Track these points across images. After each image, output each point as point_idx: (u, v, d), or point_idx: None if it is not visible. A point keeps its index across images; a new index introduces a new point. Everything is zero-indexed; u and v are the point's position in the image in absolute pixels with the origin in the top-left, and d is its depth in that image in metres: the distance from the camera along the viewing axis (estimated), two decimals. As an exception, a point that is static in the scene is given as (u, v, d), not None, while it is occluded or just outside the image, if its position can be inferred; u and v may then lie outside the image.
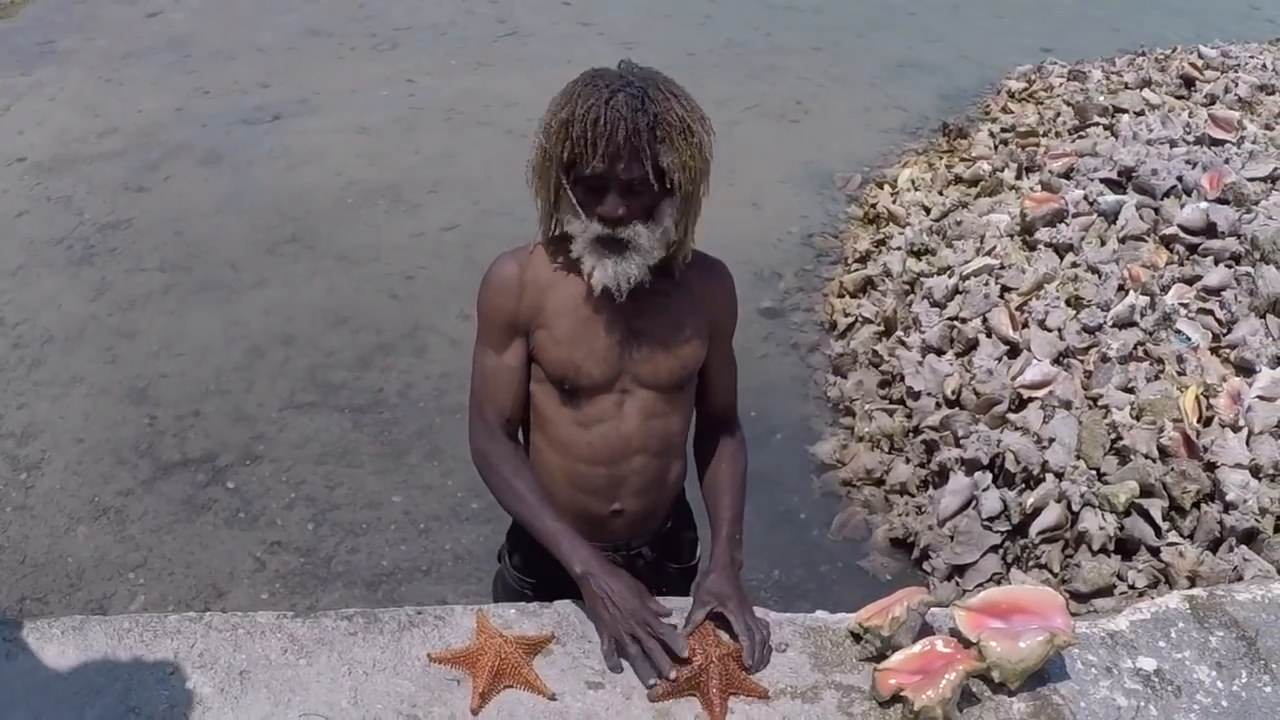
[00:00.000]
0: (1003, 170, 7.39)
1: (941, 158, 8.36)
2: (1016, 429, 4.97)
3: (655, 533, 2.96)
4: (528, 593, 2.96)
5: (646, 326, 2.61)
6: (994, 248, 6.29)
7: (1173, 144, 6.89)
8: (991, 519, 4.78)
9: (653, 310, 2.60)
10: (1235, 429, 4.72)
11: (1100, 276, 5.73)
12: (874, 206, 7.77)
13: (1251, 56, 8.83)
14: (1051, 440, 4.80)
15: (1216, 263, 5.64)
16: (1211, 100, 7.84)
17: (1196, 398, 4.81)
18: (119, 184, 8.21)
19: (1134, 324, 5.34)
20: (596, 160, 2.32)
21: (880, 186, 8.12)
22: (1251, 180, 6.12)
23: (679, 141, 2.35)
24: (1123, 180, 6.54)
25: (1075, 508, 4.56)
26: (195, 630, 2.54)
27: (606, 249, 2.43)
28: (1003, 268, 6.03)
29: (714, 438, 2.93)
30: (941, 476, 5.08)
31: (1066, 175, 6.90)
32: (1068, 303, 5.62)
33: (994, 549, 4.74)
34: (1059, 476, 4.69)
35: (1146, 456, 4.61)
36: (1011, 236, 6.40)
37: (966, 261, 6.22)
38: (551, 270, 2.59)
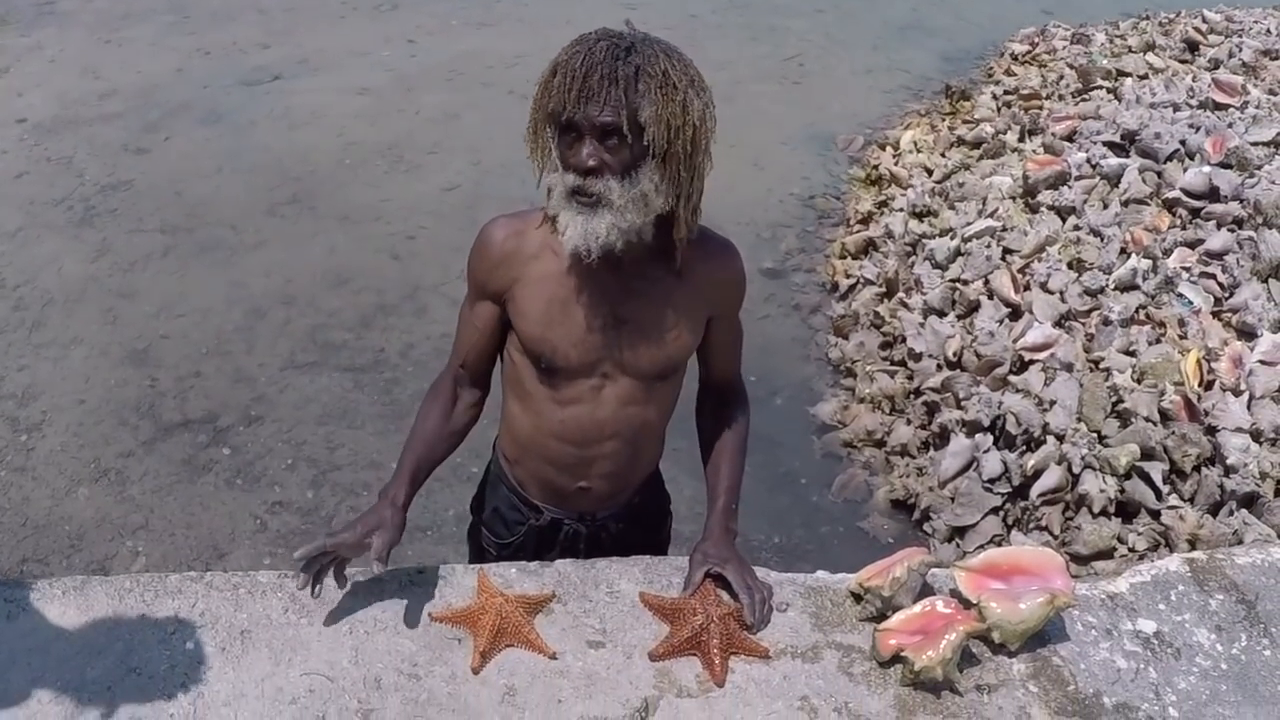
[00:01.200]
0: (1005, 133, 7.38)
1: (944, 120, 8.34)
2: (1018, 391, 4.96)
3: (623, 506, 2.94)
4: (490, 551, 3.04)
5: (633, 314, 2.55)
6: (996, 210, 6.28)
7: (1176, 108, 6.87)
8: (992, 481, 4.78)
9: (642, 296, 2.54)
10: (1236, 393, 4.72)
11: (1102, 239, 5.73)
12: (876, 168, 7.76)
13: (1255, 21, 8.79)
14: (1053, 403, 4.80)
15: (1219, 227, 5.63)
16: (1215, 64, 7.82)
17: (1198, 361, 4.81)
18: (119, 145, 8.20)
19: (1136, 287, 5.34)
20: (571, 103, 2.26)
21: (882, 148, 8.10)
22: (1254, 145, 6.11)
23: (658, 95, 2.27)
24: (1126, 143, 6.53)
25: (1076, 470, 4.56)
26: (196, 590, 2.55)
27: (579, 205, 2.35)
28: (1005, 230, 6.02)
29: (715, 405, 2.91)
30: (942, 438, 5.08)
31: (1069, 138, 6.88)
32: (1070, 265, 5.61)
33: (994, 511, 4.74)
34: (1060, 439, 4.69)
35: (1147, 419, 4.61)
36: (1014, 199, 6.39)
37: (969, 223, 6.21)
38: (540, 243, 2.54)
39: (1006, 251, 5.85)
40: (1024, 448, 4.79)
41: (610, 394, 2.61)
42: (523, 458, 2.78)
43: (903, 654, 2.38)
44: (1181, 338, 5.05)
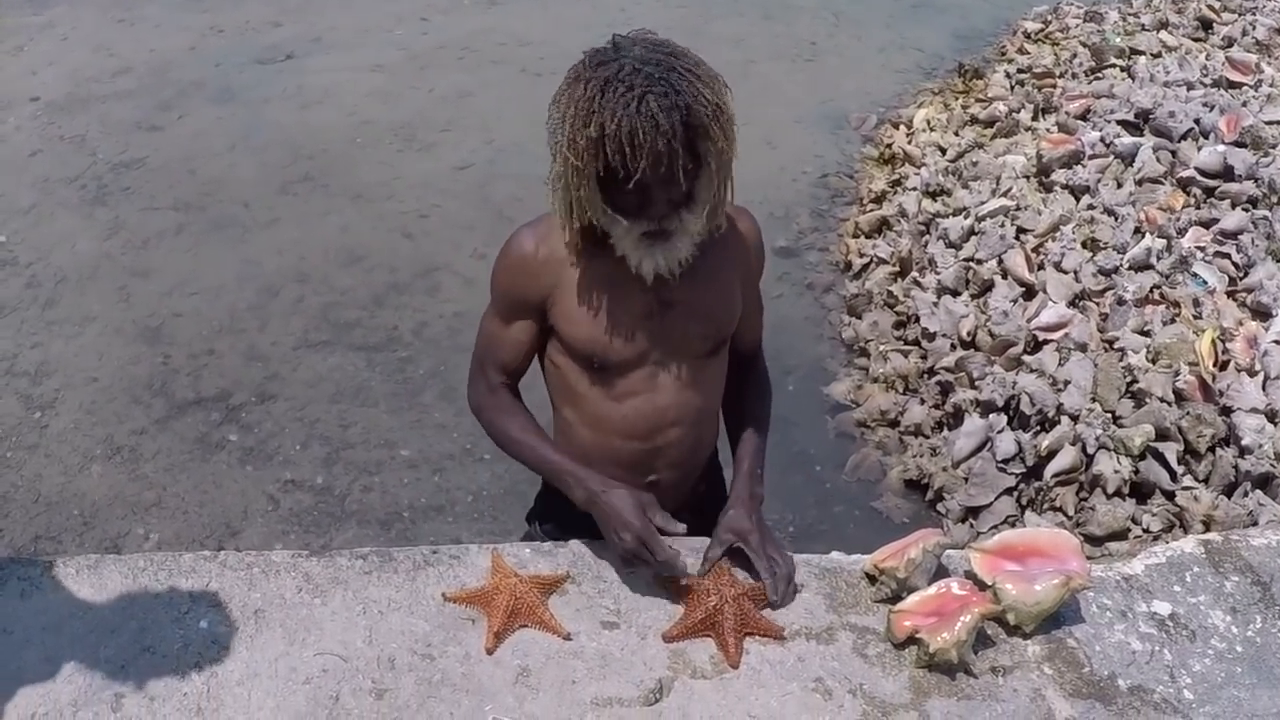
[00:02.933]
0: (1019, 111, 7.35)
1: (957, 98, 8.31)
2: (1032, 371, 4.96)
3: (689, 497, 2.91)
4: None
5: (677, 296, 2.53)
6: (1010, 189, 6.26)
7: (1190, 86, 6.85)
8: (1006, 461, 4.77)
9: (684, 278, 2.50)
10: (1251, 373, 4.70)
11: (1117, 219, 5.71)
12: (889, 147, 7.74)
13: (1269, -1, 8.77)
14: (1067, 383, 4.79)
15: (1233, 206, 5.61)
16: (1229, 43, 7.79)
17: (1212, 341, 4.80)
18: (132, 123, 8.20)
19: (1150, 267, 5.32)
20: (639, 173, 2.21)
21: (896, 127, 8.07)
22: (1269, 123, 6.09)
23: (713, 128, 2.26)
24: (1140, 122, 6.51)
25: (1090, 451, 4.56)
26: (210, 569, 2.55)
27: (653, 240, 2.35)
28: (1019, 209, 6.01)
29: (740, 375, 2.88)
30: (956, 418, 5.08)
31: (1083, 117, 6.86)
32: (1084, 245, 5.60)
33: (1008, 491, 4.74)
34: (1074, 419, 4.68)
35: (1162, 400, 4.60)
36: (1028, 178, 6.37)
37: (982, 203, 6.20)
38: (570, 245, 2.49)
39: (1020, 231, 5.83)
40: (1038, 428, 4.78)
41: (666, 380, 2.60)
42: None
43: (917, 636, 2.38)
44: (1196, 318, 5.03)
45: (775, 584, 2.47)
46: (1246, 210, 5.54)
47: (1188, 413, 4.55)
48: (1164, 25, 8.33)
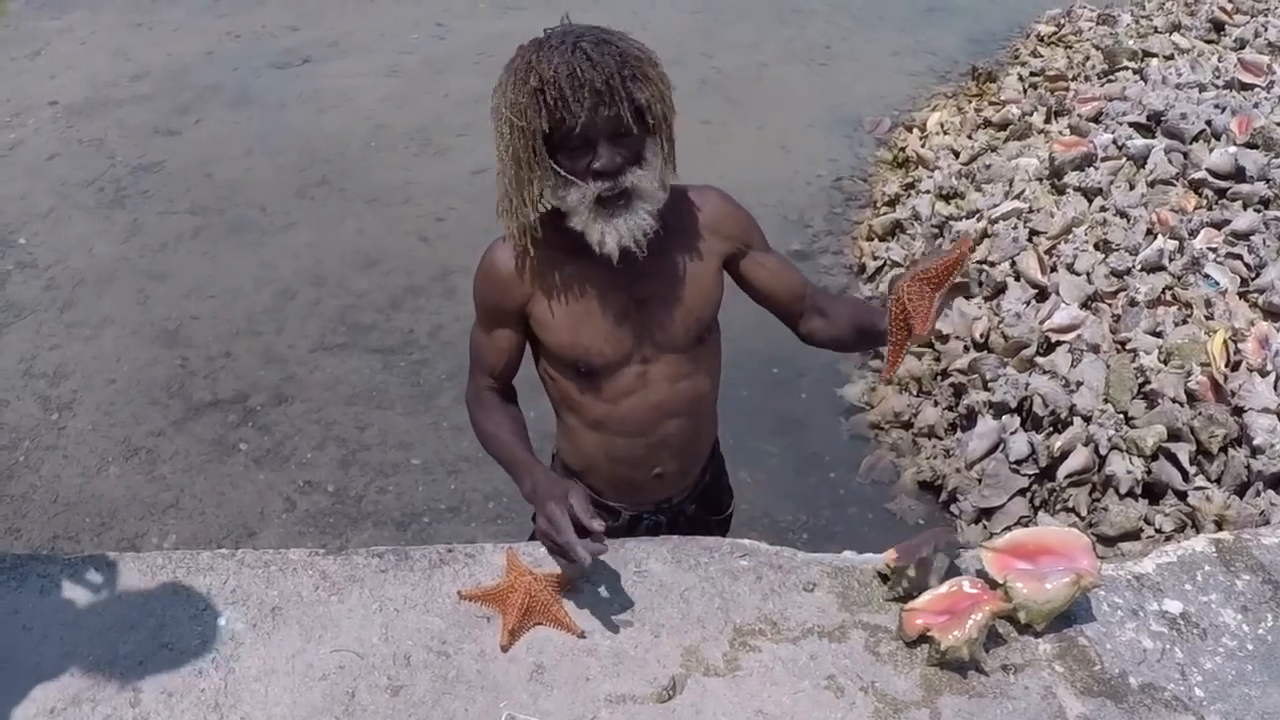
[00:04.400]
0: (1031, 114, 7.35)
1: (970, 101, 8.31)
2: (1044, 372, 4.96)
3: (694, 486, 2.95)
4: None
5: (650, 290, 2.56)
6: (1022, 191, 6.27)
7: (1202, 88, 6.84)
8: (1019, 462, 4.78)
9: (652, 271, 2.52)
10: (1263, 373, 4.71)
11: (1129, 220, 5.71)
12: (902, 150, 7.74)
13: (1282, 0, 8.75)
14: (1079, 384, 4.80)
15: (1245, 207, 5.61)
16: (1241, 44, 7.77)
17: (1224, 342, 4.80)
18: (150, 127, 8.24)
19: (1162, 268, 5.33)
20: (581, 114, 2.24)
21: (909, 130, 8.07)
22: (1280, 125, 6.09)
23: (650, 72, 2.30)
24: (1152, 124, 6.51)
25: (1103, 451, 4.57)
26: (228, 567, 2.58)
27: (611, 208, 2.35)
28: (1031, 211, 6.01)
29: (818, 314, 2.79)
30: (969, 420, 5.08)
31: (1095, 119, 6.86)
32: (1096, 246, 5.61)
33: (1021, 492, 4.75)
34: (1086, 420, 4.69)
35: (1174, 400, 4.61)
36: (1040, 180, 6.38)
37: (995, 205, 6.20)
38: (544, 254, 2.51)
39: (1033, 233, 5.83)
40: (1050, 429, 4.79)
41: (656, 375, 2.62)
42: (593, 466, 2.79)
43: (929, 634, 2.39)
44: (1208, 318, 5.04)
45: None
46: (1258, 211, 5.54)
47: (1200, 413, 4.56)
48: (1176, 27, 8.32)
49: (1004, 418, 4.92)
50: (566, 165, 2.35)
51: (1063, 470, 4.60)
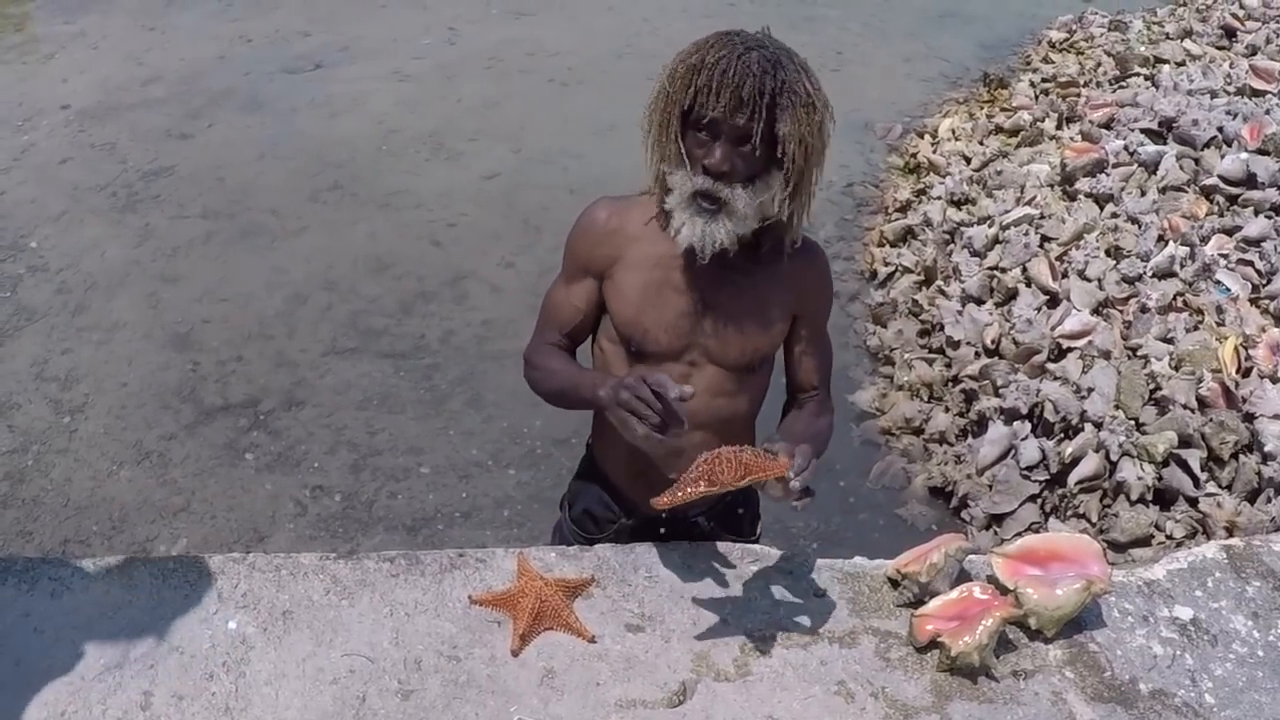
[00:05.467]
0: (1043, 120, 7.36)
1: (982, 107, 8.31)
2: (1055, 379, 4.96)
3: (712, 504, 2.94)
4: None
5: (722, 301, 2.58)
6: (1034, 197, 6.27)
7: (1213, 95, 6.85)
8: (1030, 468, 4.78)
9: (732, 286, 2.56)
10: (1274, 380, 4.71)
11: (1140, 227, 5.71)
12: (914, 156, 7.74)
13: (1293, 7, 8.74)
14: (1090, 390, 4.80)
15: (1257, 214, 5.61)
16: (1253, 51, 7.77)
17: (1235, 348, 4.80)
18: (162, 131, 8.24)
19: (1173, 274, 5.33)
20: (717, 107, 2.29)
21: (921, 136, 8.07)
22: (1292, 131, 6.09)
23: (800, 114, 2.33)
24: (1163, 131, 6.51)
25: (1114, 458, 4.56)
26: (239, 571, 2.58)
27: (701, 207, 2.39)
28: (1043, 217, 6.01)
29: (801, 404, 2.85)
30: (980, 426, 5.08)
31: (1107, 125, 6.86)
32: (1107, 253, 5.61)
33: (1032, 498, 4.74)
34: (1098, 426, 4.69)
35: (1185, 407, 4.61)
36: (1052, 186, 6.38)
37: (1007, 211, 6.20)
38: (643, 224, 2.59)
39: (1044, 239, 5.83)
40: (1061, 435, 4.79)
41: (698, 382, 2.60)
42: (614, 447, 2.78)
43: (939, 639, 2.40)
44: (1219, 325, 5.04)
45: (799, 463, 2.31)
46: (1269, 218, 5.55)
47: (1211, 419, 4.56)
48: (1188, 34, 8.33)
49: (1015, 424, 4.92)
50: (689, 146, 2.40)
51: (1073, 476, 4.60)
